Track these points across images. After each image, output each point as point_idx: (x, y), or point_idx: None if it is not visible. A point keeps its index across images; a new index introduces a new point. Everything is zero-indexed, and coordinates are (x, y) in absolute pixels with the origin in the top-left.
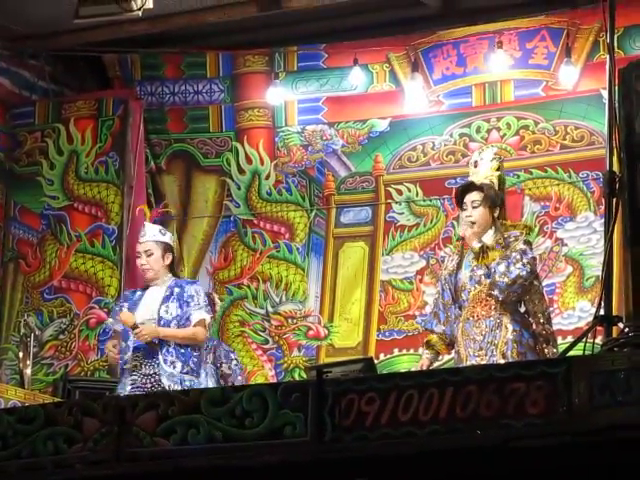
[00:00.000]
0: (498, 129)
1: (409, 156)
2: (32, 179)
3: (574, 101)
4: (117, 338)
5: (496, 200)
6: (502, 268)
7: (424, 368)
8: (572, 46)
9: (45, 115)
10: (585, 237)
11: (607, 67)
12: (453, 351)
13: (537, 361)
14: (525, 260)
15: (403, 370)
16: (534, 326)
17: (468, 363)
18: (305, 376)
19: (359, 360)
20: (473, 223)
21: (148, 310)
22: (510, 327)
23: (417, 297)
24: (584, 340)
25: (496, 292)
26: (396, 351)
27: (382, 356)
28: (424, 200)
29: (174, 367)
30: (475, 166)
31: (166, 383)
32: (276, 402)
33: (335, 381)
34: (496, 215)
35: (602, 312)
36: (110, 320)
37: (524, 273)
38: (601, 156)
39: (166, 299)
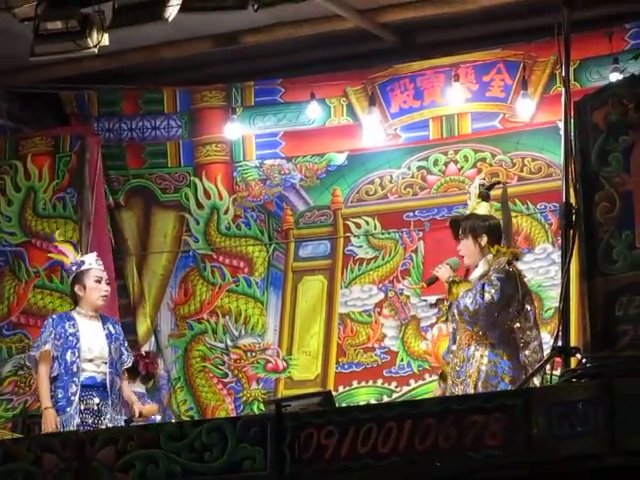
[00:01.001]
0: (456, 162)
1: (367, 189)
2: None
3: (531, 133)
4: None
5: (478, 228)
6: (463, 302)
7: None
8: (529, 79)
9: (2, 152)
10: (543, 269)
11: (563, 100)
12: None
13: (495, 393)
14: (487, 288)
15: (362, 402)
16: (525, 354)
17: (449, 393)
18: (264, 409)
19: (318, 394)
20: (462, 256)
21: (96, 347)
22: (486, 358)
23: (376, 329)
24: (542, 371)
25: (465, 324)
26: (355, 383)
27: (341, 388)
28: (382, 233)
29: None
30: (469, 199)
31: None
32: (235, 436)
33: (294, 415)
34: (484, 243)
35: (560, 343)
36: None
37: (480, 305)
38: (558, 188)
39: (109, 337)
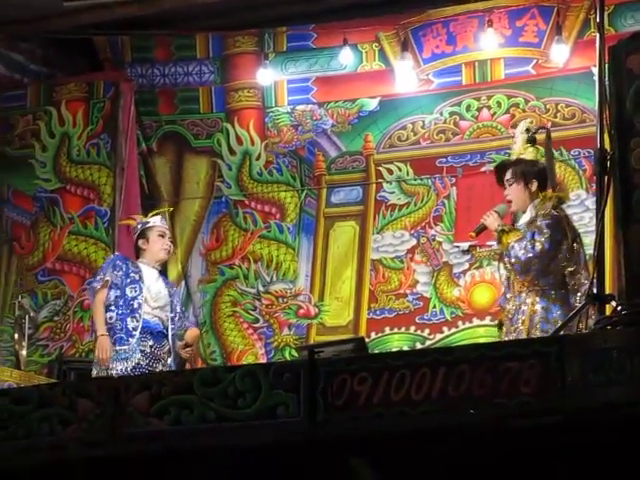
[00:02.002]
0: (488, 107)
1: (399, 135)
2: (25, 162)
3: (565, 79)
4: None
5: (529, 173)
6: (514, 251)
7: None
8: (562, 24)
9: (37, 98)
10: (577, 215)
11: (597, 45)
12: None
13: (530, 340)
14: (537, 238)
15: (394, 349)
16: (576, 298)
17: (505, 339)
18: (295, 355)
19: (351, 340)
20: (509, 202)
21: (155, 292)
22: (537, 304)
23: (408, 275)
24: (577, 319)
25: (517, 273)
26: (387, 329)
27: (373, 335)
28: (415, 179)
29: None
30: (515, 144)
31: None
32: (268, 382)
33: (327, 361)
34: (534, 188)
35: (595, 291)
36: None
37: (531, 254)
38: (593, 134)
39: (172, 295)
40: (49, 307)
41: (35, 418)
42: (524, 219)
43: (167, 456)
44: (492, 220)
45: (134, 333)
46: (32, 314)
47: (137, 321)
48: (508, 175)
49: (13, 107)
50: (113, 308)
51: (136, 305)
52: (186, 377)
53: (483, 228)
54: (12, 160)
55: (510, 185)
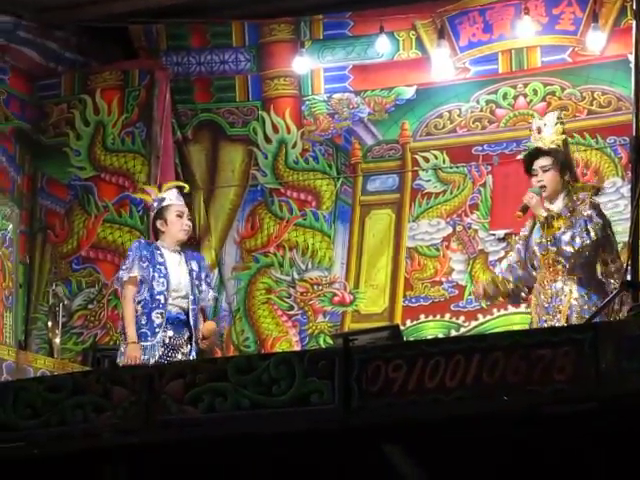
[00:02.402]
0: (525, 95)
1: (436, 123)
2: (59, 150)
3: (601, 66)
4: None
5: (567, 163)
6: (567, 237)
7: (480, 291)
8: (599, 11)
9: (71, 86)
10: (612, 203)
11: (634, 32)
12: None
13: (564, 327)
14: (590, 226)
15: (429, 336)
16: (611, 283)
17: (538, 326)
18: (330, 342)
19: (385, 328)
20: (543, 187)
21: (177, 281)
22: (576, 292)
23: (443, 263)
24: (611, 306)
25: (563, 260)
26: (422, 317)
27: (408, 322)
28: (451, 167)
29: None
30: (539, 132)
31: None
32: (303, 370)
33: (362, 348)
34: (567, 179)
35: (629, 277)
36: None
37: (588, 242)
38: (629, 121)
39: (191, 273)
40: (83, 295)
41: (69, 405)
42: (555, 207)
43: (202, 444)
44: (536, 203)
45: (157, 330)
46: (66, 302)
47: (162, 317)
48: (544, 162)
49: (48, 96)
50: (143, 305)
51: (163, 300)
52: (220, 365)
53: (527, 208)
54: (46, 148)
55: (545, 172)
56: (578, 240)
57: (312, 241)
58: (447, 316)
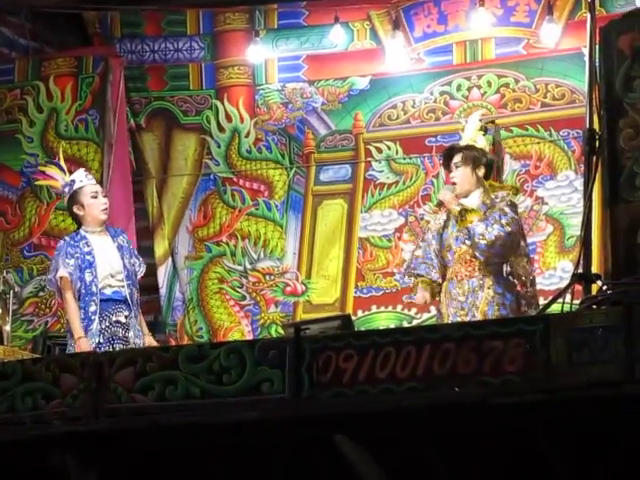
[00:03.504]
0: (479, 87)
1: (389, 114)
2: (11, 137)
3: (555, 59)
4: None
5: (478, 159)
6: (480, 229)
7: (428, 299)
8: (554, 4)
9: (25, 72)
10: (566, 196)
11: (588, 25)
12: (435, 309)
13: (515, 319)
14: (504, 221)
15: (381, 327)
16: (518, 288)
17: (448, 322)
18: (282, 332)
19: (336, 317)
20: (454, 183)
21: (113, 261)
22: (492, 289)
23: (395, 254)
24: (562, 298)
25: (477, 253)
26: (374, 308)
27: (360, 313)
28: (404, 158)
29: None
30: (463, 130)
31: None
32: (254, 359)
33: (313, 338)
34: (480, 174)
35: (581, 270)
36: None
37: (503, 234)
38: (582, 114)
39: (121, 249)
40: (34, 282)
41: (19, 393)
42: (469, 202)
43: (151, 432)
44: (450, 198)
45: (94, 317)
46: (17, 289)
47: (96, 305)
48: (457, 158)
49: (1, 82)
50: (80, 299)
51: (94, 288)
52: (171, 353)
53: (441, 203)
54: None
55: (457, 168)
56: (491, 230)
57: (264, 231)
58: (399, 307)
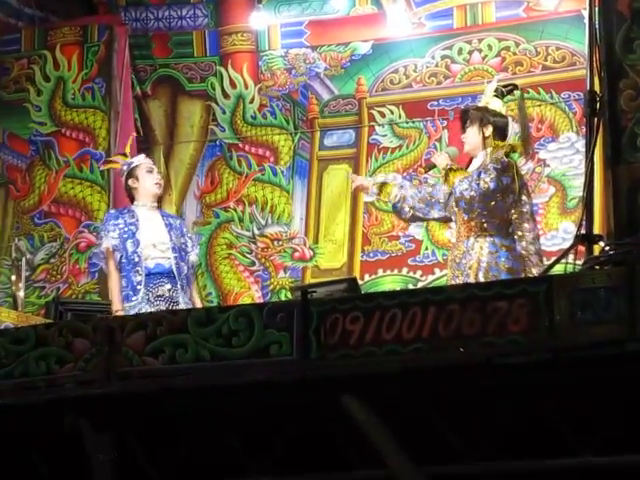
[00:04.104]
0: (480, 50)
1: (391, 78)
2: (20, 105)
3: (555, 22)
4: (111, 259)
5: (486, 119)
6: (462, 187)
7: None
8: None
9: (31, 42)
10: (567, 158)
11: None
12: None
13: (519, 279)
14: (483, 176)
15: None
16: (522, 245)
17: (451, 283)
18: (290, 296)
19: (343, 280)
20: (464, 143)
21: (158, 233)
22: (486, 249)
23: None
24: (565, 259)
25: (462, 212)
26: (380, 272)
27: (367, 277)
28: (407, 122)
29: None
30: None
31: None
32: (262, 322)
33: (320, 301)
34: (487, 134)
35: (583, 231)
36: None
37: (479, 191)
38: (582, 76)
39: (169, 226)
40: (45, 249)
41: (32, 357)
42: (475, 164)
43: (162, 395)
44: (442, 159)
45: (139, 288)
46: (29, 256)
47: (140, 274)
48: (468, 119)
49: (8, 51)
50: (122, 269)
51: (136, 259)
52: (181, 317)
53: (432, 166)
54: (7, 104)
55: (467, 128)
56: (465, 189)
57: (271, 196)
58: (405, 270)
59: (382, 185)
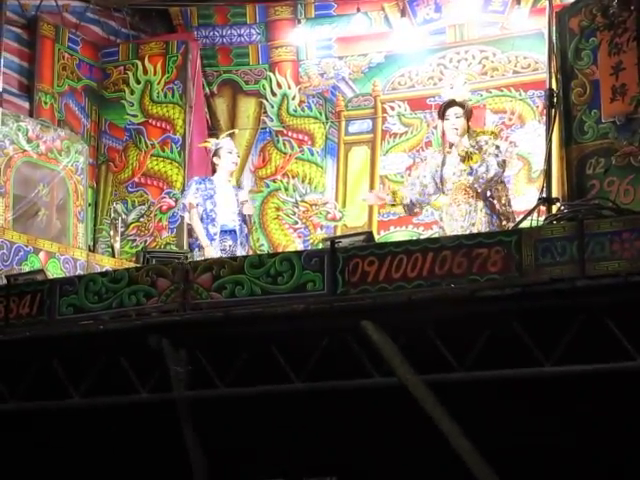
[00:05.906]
0: (466, 59)
1: (399, 81)
2: (117, 102)
3: (523, 37)
4: (194, 208)
5: (471, 112)
6: (483, 169)
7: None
8: None
9: (127, 54)
10: (532, 140)
11: (547, 11)
12: (437, 227)
13: (496, 232)
14: (499, 160)
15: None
16: (498, 207)
17: (452, 234)
18: (322, 246)
19: (362, 233)
20: (456, 129)
21: (229, 200)
22: (484, 211)
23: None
24: (531, 217)
25: (476, 186)
26: (392, 228)
27: (382, 232)
28: (411, 114)
29: None
30: (451, 87)
31: None
32: (300, 265)
33: (344, 249)
34: (470, 124)
35: (544, 195)
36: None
37: (500, 172)
38: (544, 79)
39: (237, 196)
40: (136, 211)
41: (126, 293)
42: (462, 146)
43: (225, 321)
44: (373, 199)
45: (215, 237)
46: (124, 217)
47: (215, 227)
48: (458, 110)
49: (109, 61)
50: (202, 221)
51: (214, 215)
52: (239, 262)
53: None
54: (108, 101)
55: (458, 118)
56: (491, 169)
57: (309, 171)
58: (410, 227)
59: (394, 193)
